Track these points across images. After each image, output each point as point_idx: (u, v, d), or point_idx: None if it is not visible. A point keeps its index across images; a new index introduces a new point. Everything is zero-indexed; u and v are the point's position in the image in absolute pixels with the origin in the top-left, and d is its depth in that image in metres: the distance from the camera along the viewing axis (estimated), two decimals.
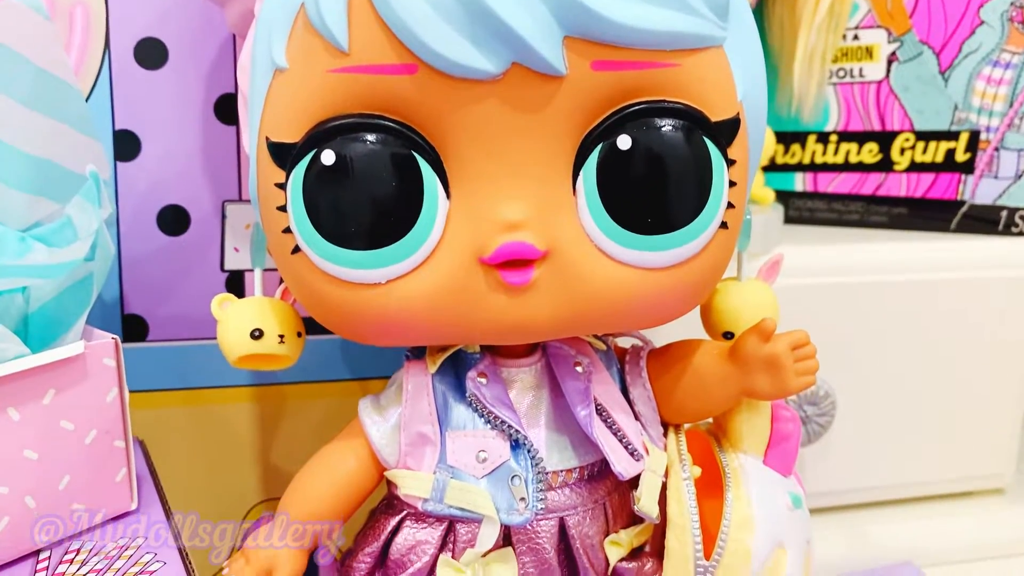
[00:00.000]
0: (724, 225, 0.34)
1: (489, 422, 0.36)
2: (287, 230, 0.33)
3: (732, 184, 0.33)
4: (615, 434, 0.37)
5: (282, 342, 0.37)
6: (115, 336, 0.36)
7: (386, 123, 0.31)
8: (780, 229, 0.68)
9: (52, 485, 0.35)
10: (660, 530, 0.38)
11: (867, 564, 0.65)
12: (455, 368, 0.37)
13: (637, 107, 0.31)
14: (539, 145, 0.31)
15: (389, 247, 0.32)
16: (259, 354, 0.37)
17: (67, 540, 0.36)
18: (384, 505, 0.39)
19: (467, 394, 0.36)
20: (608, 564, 0.37)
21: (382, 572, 0.37)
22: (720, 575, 0.36)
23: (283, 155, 0.32)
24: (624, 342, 0.41)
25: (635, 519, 0.39)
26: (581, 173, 0.32)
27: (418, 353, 0.38)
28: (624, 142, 0.31)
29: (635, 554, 0.38)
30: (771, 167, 0.69)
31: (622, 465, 0.36)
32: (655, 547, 0.39)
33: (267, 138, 0.33)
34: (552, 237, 0.32)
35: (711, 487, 0.38)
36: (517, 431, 0.35)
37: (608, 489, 0.38)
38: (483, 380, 0.36)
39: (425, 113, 0.31)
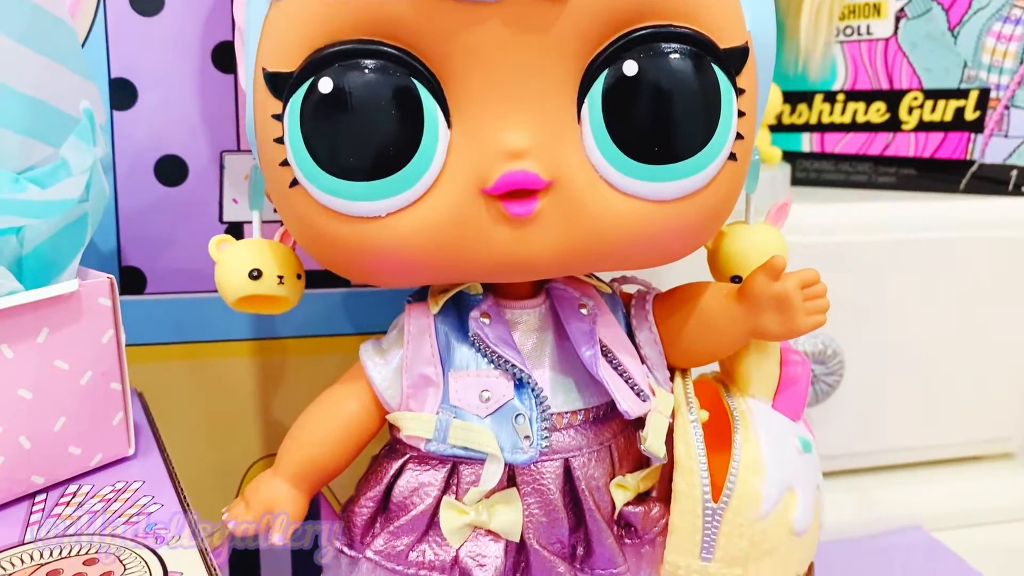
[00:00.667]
0: (733, 157, 0.33)
1: (492, 362, 0.35)
2: (284, 163, 0.32)
3: (741, 115, 0.32)
4: (621, 375, 0.36)
5: (281, 283, 0.36)
6: (110, 276, 0.35)
7: (385, 49, 0.30)
8: (787, 189, 0.67)
9: (47, 426, 0.34)
10: (667, 476, 0.38)
11: (874, 528, 0.65)
12: (457, 310, 0.36)
13: (644, 32, 0.31)
14: (543, 70, 0.31)
15: (389, 179, 0.31)
16: (258, 295, 0.36)
17: (63, 484, 0.35)
18: (386, 450, 0.38)
19: (470, 334, 0.35)
20: (614, 507, 0.37)
21: (384, 517, 0.36)
22: (728, 517, 0.36)
23: (280, 85, 0.31)
24: (630, 289, 0.40)
25: (642, 464, 0.38)
26: (586, 100, 0.31)
27: (420, 297, 0.37)
28: (630, 68, 0.30)
29: (642, 499, 0.38)
30: (777, 127, 0.68)
31: (628, 404, 0.35)
32: (662, 493, 0.38)
33: (263, 68, 0.32)
34: (556, 166, 0.31)
35: (719, 430, 0.38)
36: (521, 370, 0.34)
37: (614, 432, 0.37)
38: (486, 320, 0.35)
39: (426, 38, 0.30)
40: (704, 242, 0.36)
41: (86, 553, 0.31)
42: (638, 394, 0.36)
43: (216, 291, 0.46)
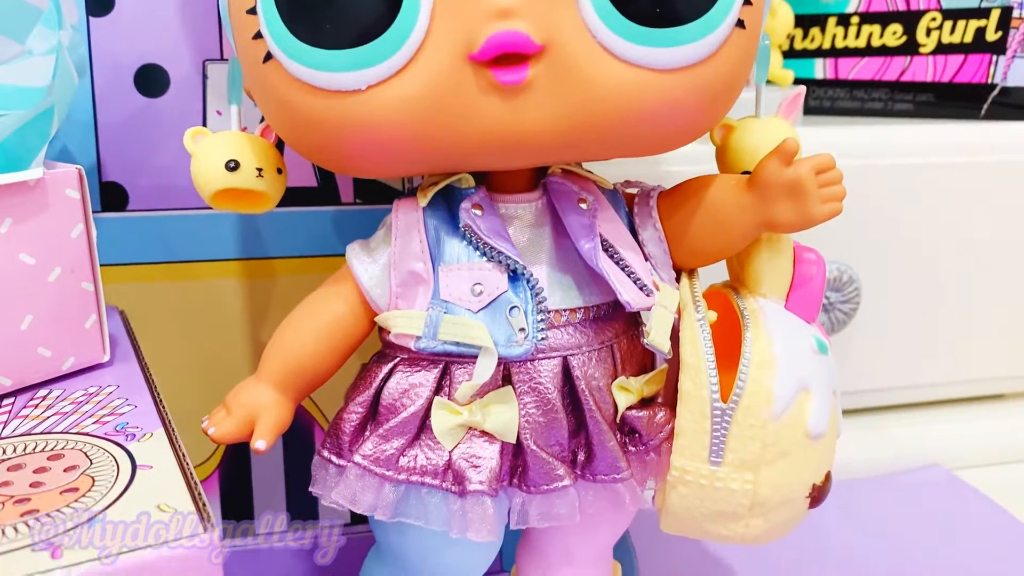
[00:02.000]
0: (741, 24, 0.30)
1: (485, 254, 0.33)
2: (258, 35, 0.30)
3: None
4: (623, 269, 0.34)
5: (260, 176, 0.34)
6: (79, 166, 0.33)
7: None
8: (799, 118, 0.64)
9: (14, 323, 0.32)
10: (673, 382, 0.35)
11: (893, 467, 0.62)
12: (448, 204, 0.34)
13: None
14: None
15: (367, 46, 0.29)
16: (236, 189, 0.34)
17: (33, 388, 0.33)
18: (375, 357, 0.36)
19: (460, 225, 0.33)
20: (616, 411, 0.34)
21: (374, 422, 0.34)
22: (739, 418, 0.33)
23: None
24: (633, 192, 0.38)
25: (646, 368, 0.36)
26: None
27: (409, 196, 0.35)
28: None
29: (646, 405, 0.36)
30: (789, 53, 0.65)
31: (629, 295, 0.33)
32: (668, 398, 0.36)
33: None
34: (549, 29, 0.29)
35: (728, 333, 0.35)
36: (516, 262, 0.32)
37: (616, 332, 0.35)
38: (478, 212, 0.33)
39: None
40: (711, 124, 0.34)
41: (51, 450, 0.29)
42: (641, 288, 0.34)
43: (203, 208, 0.45)
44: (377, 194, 0.46)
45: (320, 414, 0.48)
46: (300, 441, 0.47)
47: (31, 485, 0.27)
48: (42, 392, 0.33)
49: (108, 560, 0.23)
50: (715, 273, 0.39)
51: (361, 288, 0.34)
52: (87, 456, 0.29)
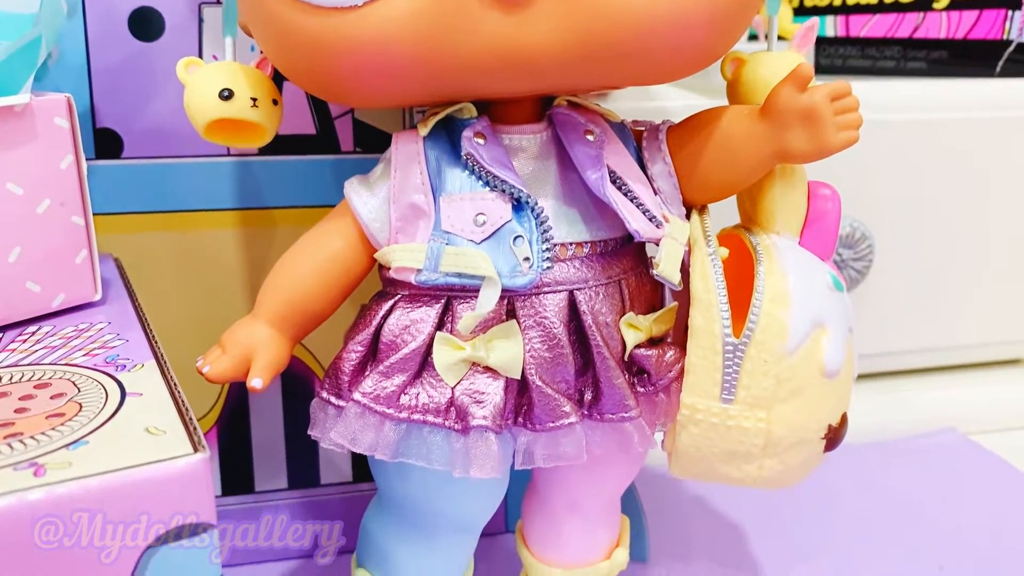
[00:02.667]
0: None
1: (487, 183, 0.32)
2: None
3: None
4: (631, 201, 0.33)
5: (255, 106, 0.33)
6: (68, 95, 0.32)
7: None
8: (813, 51, 0.63)
9: (1, 255, 0.31)
10: (683, 322, 0.34)
11: (907, 432, 0.61)
12: (449, 134, 0.33)
13: None
14: None
15: None
16: (230, 119, 0.33)
17: (22, 324, 0.32)
18: (375, 296, 0.35)
19: (462, 154, 0.32)
20: (625, 348, 0.33)
21: (375, 361, 0.33)
22: (751, 353, 0.32)
23: None
24: (641, 128, 0.37)
25: (655, 307, 0.35)
26: None
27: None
28: None
29: (655, 344, 0.34)
30: (800, 10, 0.64)
31: (637, 223, 0.32)
32: (678, 338, 0.35)
33: None
34: None
35: (740, 272, 0.34)
36: (520, 190, 0.31)
37: (624, 269, 0.34)
38: (480, 140, 0.32)
39: None
40: (720, 47, 0.32)
41: (38, 379, 0.28)
42: (651, 220, 0.32)
43: (200, 156, 0.44)
44: (377, 142, 0.45)
45: (320, 369, 0.46)
46: (299, 396, 0.46)
47: (15, 411, 0.26)
48: (31, 328, 0.32)
49: (93, 478, 0.22)
50: (725, 217, 0.38)
51: (360, 223, 0.33)
52: (75, 384, 0.27)
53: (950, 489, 0.54)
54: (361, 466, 0.48)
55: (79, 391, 0.27)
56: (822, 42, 0.64)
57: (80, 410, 0.26)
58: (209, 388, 0.46)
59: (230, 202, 0.44)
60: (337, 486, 0.48)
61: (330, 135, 0.45)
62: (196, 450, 0.24)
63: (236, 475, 0.47)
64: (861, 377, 0.62)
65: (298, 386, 0.46)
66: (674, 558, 0.48)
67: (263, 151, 0.44)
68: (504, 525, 0.50)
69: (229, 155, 0.44)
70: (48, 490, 0.22)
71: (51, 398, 0.27)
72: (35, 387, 0.27)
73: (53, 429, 0.25)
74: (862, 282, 0.57)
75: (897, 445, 0.59)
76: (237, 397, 0.46)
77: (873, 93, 0.57)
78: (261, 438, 0.47)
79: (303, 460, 0.47)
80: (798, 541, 0.49)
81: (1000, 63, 0.61)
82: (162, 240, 0.44)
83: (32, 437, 0.24)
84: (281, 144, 0.44)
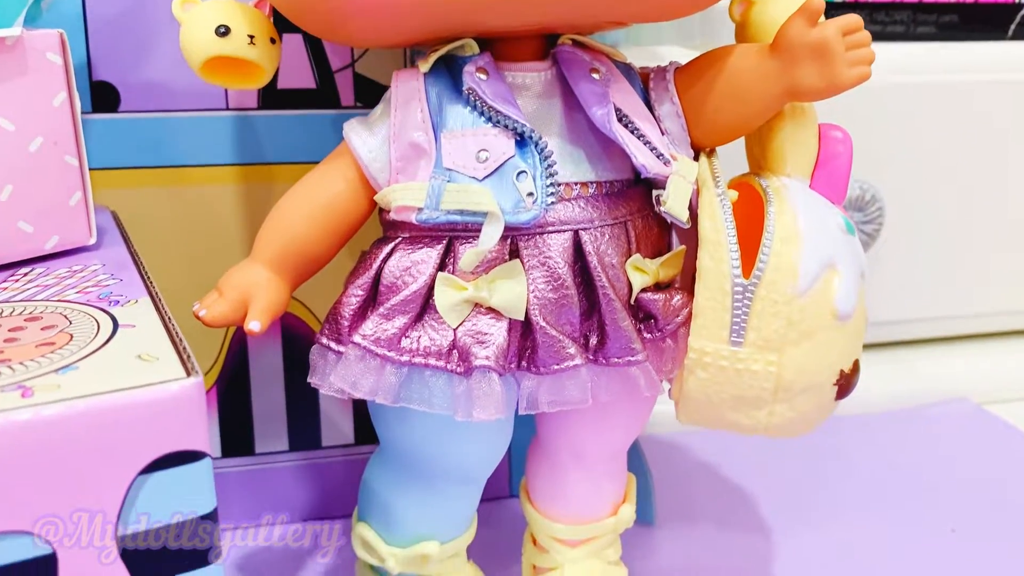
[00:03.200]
0: None
1: (490, 119, 0.31)
2: None
3: None
4: (639, 139, 0.32)
5: (252, 43, 0.32)
6: (60, 30, 0.31)
7: None
8: None
9: None
10: (690, 269, 0.33)
11: (920, 402, 0.60)
12: (451, 72, 0.32)
13: None
14: None
15: None
16: (227, 57, 0.32)
17: (14, 266, 0.32)
18: (375, 242, 0.34)
19: (464, 89, 0.31)
20: (631, 291, 0.32)
21: (375, 305, 0.32)
22: (761, 294, 0.31)
23: None
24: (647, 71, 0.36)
25: (662, 252, 0.34)
26: None
27: None
28: None
29: (662, 289, 0.34)
30: None
31: (644, 158, 0.31)
32: (686, 283, 0.34)
33: None
34: None
35: (749, 213, 0.33)
36: (523, 125, 0.30)
37: (631, 211, 0.33)
38: (482, 76, 0.31)
39: None
40: None
41: (29, 313, 0.27)
42: (658, 157, 0.32)
43: (199, 110, 0.43)
44: (378, 96, 0.44)
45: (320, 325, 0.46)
46: (301, 356, 0.45)
47: (5, 341, 0.25)
48: (24, 270, 0.31)
49: (81, 400, 0.22)
50: (734, 164, 0.37)
51: (360, 163, 0.32)
52: (66, 318, 0.27)
53: (962, 456, 0.53)
54: (363, 428, 0.47)
55: (71, 323, 0.26)
56: (831, 8, 0.63)
57: (71, 340, 0.25)
58: (208, 347, 0.45)
59: (229, 157, 0.44)
60: (339, 448, 0.47)
61: (330, 89, 0.44)
62: (189, 374, 0.23)
63: (236, 437, 0.46)
64: (870, 347, 0.61)
65: (299, 345, 0.46)
66: (681, 522, 0.47)
67: (262, 105, 0.43)
68: (508, 490, 0.50)
69: (228, 109, 0.43)
70: (35, 411, 0.21)
71: (42, 329, 0.26)
72: (26, 320, 0.27)
73: (43, 356, 0.24)
74: (872, 246, 0.56)
75: (908, 413, 0.58)
76: (237, 356, 0.45)
77: (882, 54, 0.56)
78: (261, 399, 0.46)
79: (304, 422, 0.47)
80: (808, 507, 0.48)
81: (1012, 26, 0.60)
82: (160, 196, 0.43)
83: (21, 363, 0.24)
84: (280, 98, 0.43)
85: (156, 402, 0.22)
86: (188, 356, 0.24)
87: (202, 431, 0.23)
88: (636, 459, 0.45)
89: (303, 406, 0.47)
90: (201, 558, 0.23)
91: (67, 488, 0.22)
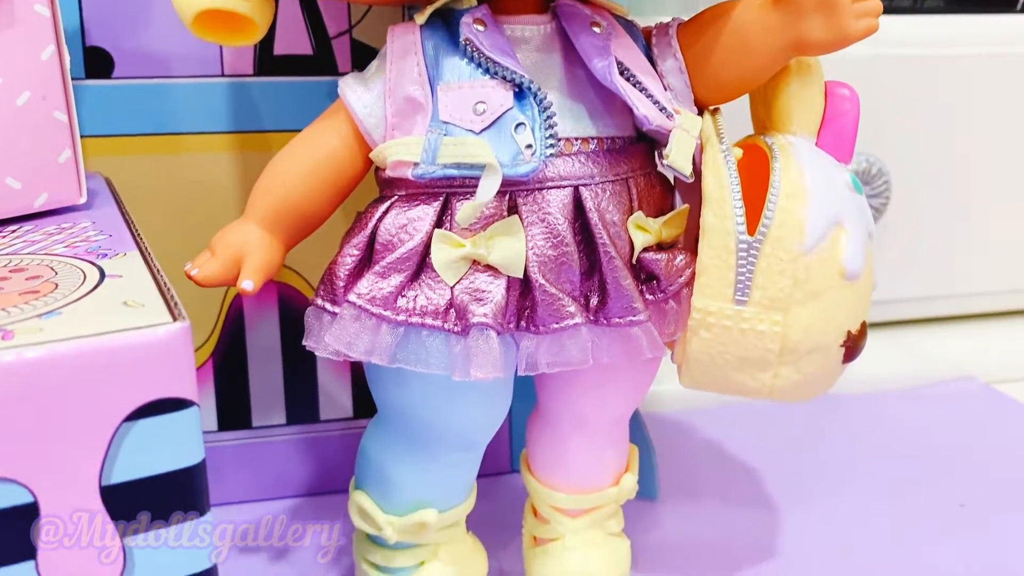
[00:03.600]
0: None
1: (488, 71, 0.30)
2: None
3: None
4: (641, 91, 0.31)
5: None
6: None
7: None
8: None
9: None
10: (694, 228, 0.33)
11: (926, 380, 0.59)
12: (447, 25, 0.31)
13: None
14: None
15: None
16: (219, 11, 0.31)
17: (3, 224, 0.31)
18: (372, 202, 0.33)
19: (461, 39, 0.30)
20: (632, 250, 0.32)
21: (371, 264, 0.32)
22: (767, 251, 0.30)
23: None
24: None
25: (665, 212, 0.33)
26: None
27: None
28: None
29: (665, 249, 0.33)
30: None
31: (646, 109, 0.30)
32: (689, 244, 0.33)
33: None
34: None
35: (754, 172, 0.33)
36: (522, 76, 0.30)
37: (633, 168, 0.32)
38: (480, 27, 0.30)
39: None
40: None
41: (15, 265, 0.27)
42: (661, 110, 0.31)
43: (194, 76, 0.42)
44: None
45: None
46: (298, 327, 0.45)
47: None
48: (11, 227, 0.31)
49: (64, 343, 0.21)
50: (737, 128, 0.36)
51: (355, 119, 0.32)
52: (52, 269, 0.26)
53: (970, 434, 0.53)
54: (362, 402, 0.47)
55: (56, 274, 0.26)
56: None
57: (56, 288, 0.24)
58: (204, 319, 0.44)
59: (224, 125, 0.43)
60: (337, 422, 0.47)
61: (327, 55, 0.43)
62: (175, 319, 0.22)
63: (232, 410, 0.45)
64: (876, 326, 0.60)
65: (296, 316, 0.45)
66: (684, 496, 0.46)
67: (258, 72, 0.43)
68: (509, 465, 0.49)
69: (223, 76, 0.42)
70: (17, 353, 0.21)
71: (27, 279, 0.25)
72: (11, 271, 0.26)
73: (26, 304, 0.23)
74: (879, 220, 0.55)
75: (916, 391, 0.58)
76: (234, 328, 0.45)
77: (889, 26, 0.55)
78: (259, 372, 0.45)
79: (302, 395, 0.46)
80: (814, 485, 0.47)
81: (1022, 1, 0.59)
82: (154, 163, 0.43)
83: (3, 309, 0.23)
84: (277, 65, 0.43)
85: (141, 346, 0.22)
86: (175, 303, 0.23)
87: (189, 378, 0.22)
88: (638, 433, 0.45)
89: (301, 379, 0.46)
90: (189, 505, 0.23)
91: (50, 434, 0.21)
